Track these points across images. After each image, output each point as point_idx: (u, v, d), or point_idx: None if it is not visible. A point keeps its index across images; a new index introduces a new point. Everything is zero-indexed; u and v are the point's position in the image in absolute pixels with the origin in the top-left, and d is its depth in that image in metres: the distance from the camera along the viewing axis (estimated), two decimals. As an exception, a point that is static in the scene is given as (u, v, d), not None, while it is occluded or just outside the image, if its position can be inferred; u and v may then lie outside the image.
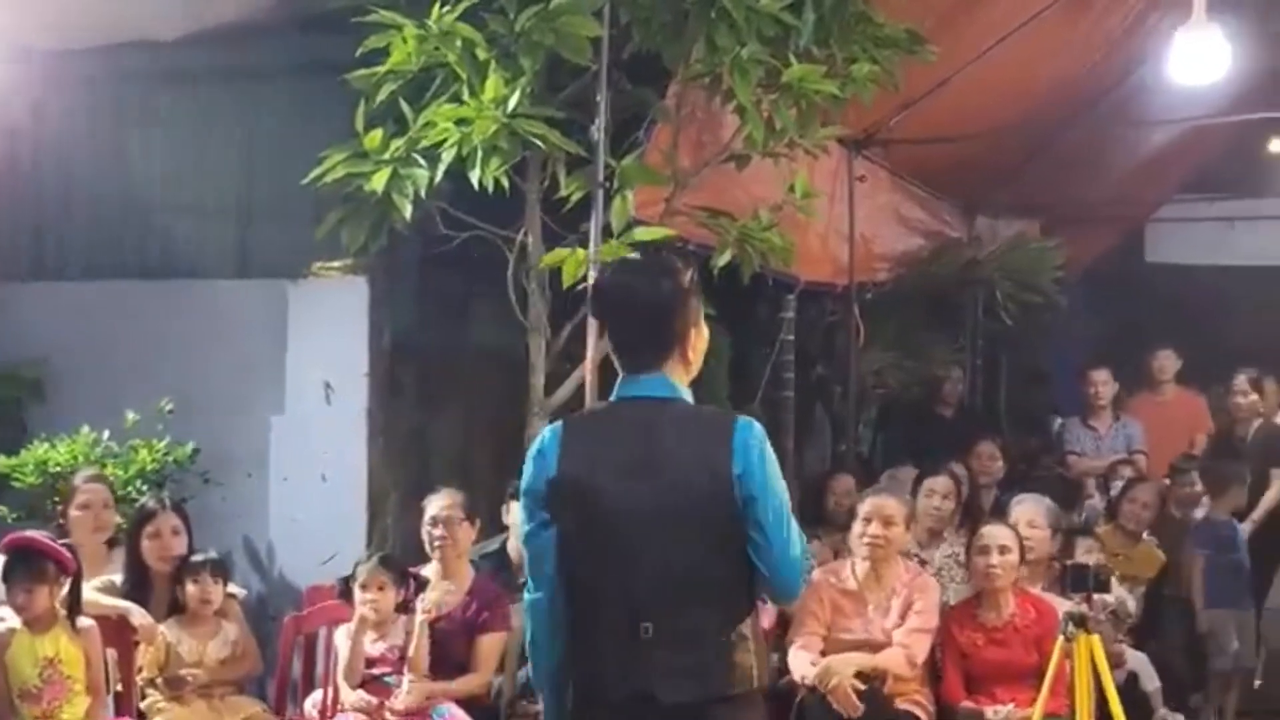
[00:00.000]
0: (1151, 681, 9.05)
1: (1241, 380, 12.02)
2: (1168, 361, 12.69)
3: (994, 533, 7.88)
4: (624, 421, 4.68)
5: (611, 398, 4.77)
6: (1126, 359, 13.63)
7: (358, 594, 7.45)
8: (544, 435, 4.77)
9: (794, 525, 4.67)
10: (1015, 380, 14.88)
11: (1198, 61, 8.06)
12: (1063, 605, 7.54)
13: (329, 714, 7.62)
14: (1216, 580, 10.11)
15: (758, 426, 4.64)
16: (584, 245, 8.10)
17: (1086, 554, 8.58)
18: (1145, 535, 10.16)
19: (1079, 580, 7.09)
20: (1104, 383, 12.38)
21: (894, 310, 12.81)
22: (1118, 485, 11.00)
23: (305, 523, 8.80)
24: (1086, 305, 16.39)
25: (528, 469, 4.73)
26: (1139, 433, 12.16)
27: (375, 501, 8.78)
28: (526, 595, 4.79)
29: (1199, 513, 10.61)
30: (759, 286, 10.36)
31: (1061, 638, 6.99)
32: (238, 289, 9.19)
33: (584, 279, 7.97)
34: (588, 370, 7.99)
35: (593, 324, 7.93)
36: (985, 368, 15.00)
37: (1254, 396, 11.96)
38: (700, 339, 4.76)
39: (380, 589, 7.43)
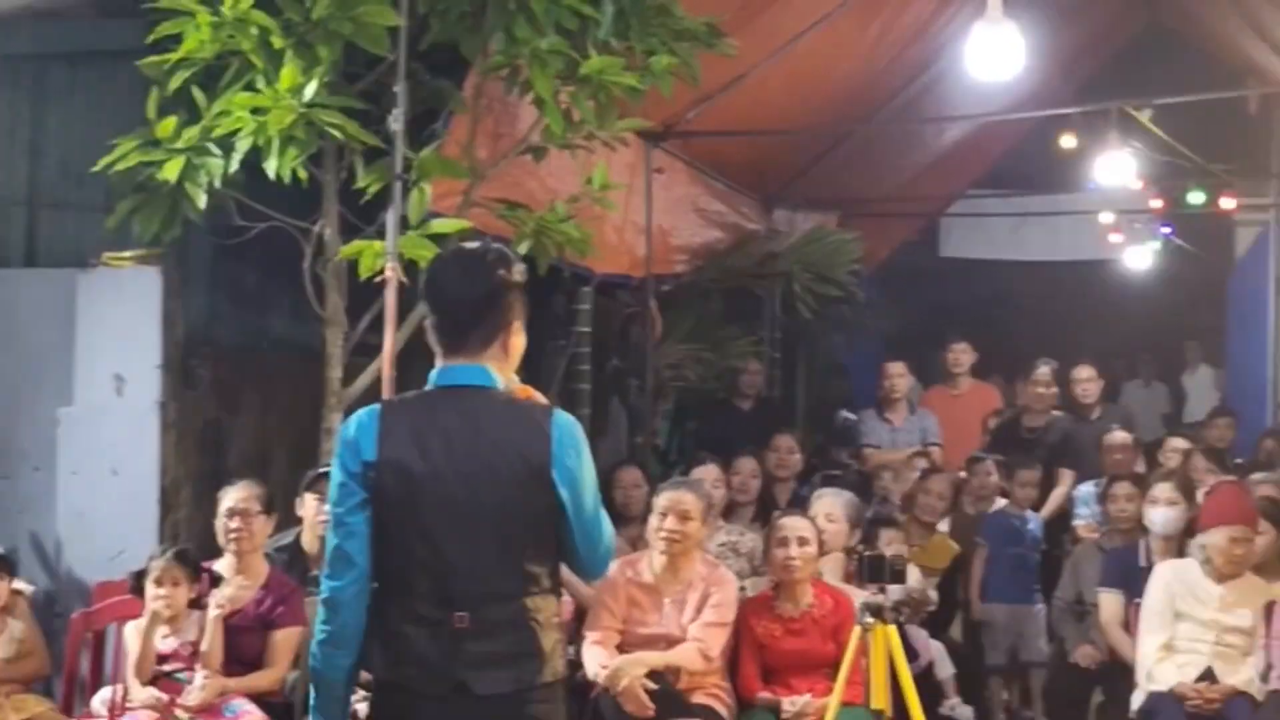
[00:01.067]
0: (945, 669, 9.17)
1: (1044, 371, 12.12)
2: (963, 354, 12.81)
3: (792, 524, 7.89)
4: (442, 407, 4.68)
5: (429, 384, 4.77)
6: (922, 352, 13.81)
7: (150, 589, 7.30)
8: (360, 417, 4.73)
9: (605, 521, 4.78)
10: (812, 374, 14.97)
11: (993, 56, 8.13)
12: (859, 596, 7.60)
13: (118, 711, 7.48)
14: (998, 574, 10.22)
15: (574, 420, 4.74)
16: (381, 237, 8.03)
17: (888, 545, 8.63)
18: (940, 526, 10.25)
19: (875, 570, 7.15)
20: (899, 375, 12.47)
21: (692, 303, 12.85)
22: (913, 478, 11.09)
23: (94, 517, 8.59)
24: (882, 299, 16.55)
25: (341, 452, 4.69)
26: (934, 425, 12.27)
27: (167, 495, 8.62)
28: (326, 587, 4.71)
29: (995, 506, 10.71)
30: (555, 279, 10.37)
31: (858, 628, 7.03)
32: (24, 278, 8.99)
33: (381, 271, 7.92)
34: (385, 362, 7.91)
35: (390, 316, 7.89)
36: (783, 361, 15.09)
37: (1054, 389, 12.11)
38: (520, 336, 4.84)
39: (174, 584, 7.30)
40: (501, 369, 4.76)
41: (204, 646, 7.26)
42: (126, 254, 8.65)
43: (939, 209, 18.67)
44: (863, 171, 15.05)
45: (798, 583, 7.78)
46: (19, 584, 7.85)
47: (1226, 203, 16.56)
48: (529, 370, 10.71)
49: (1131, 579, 8.58)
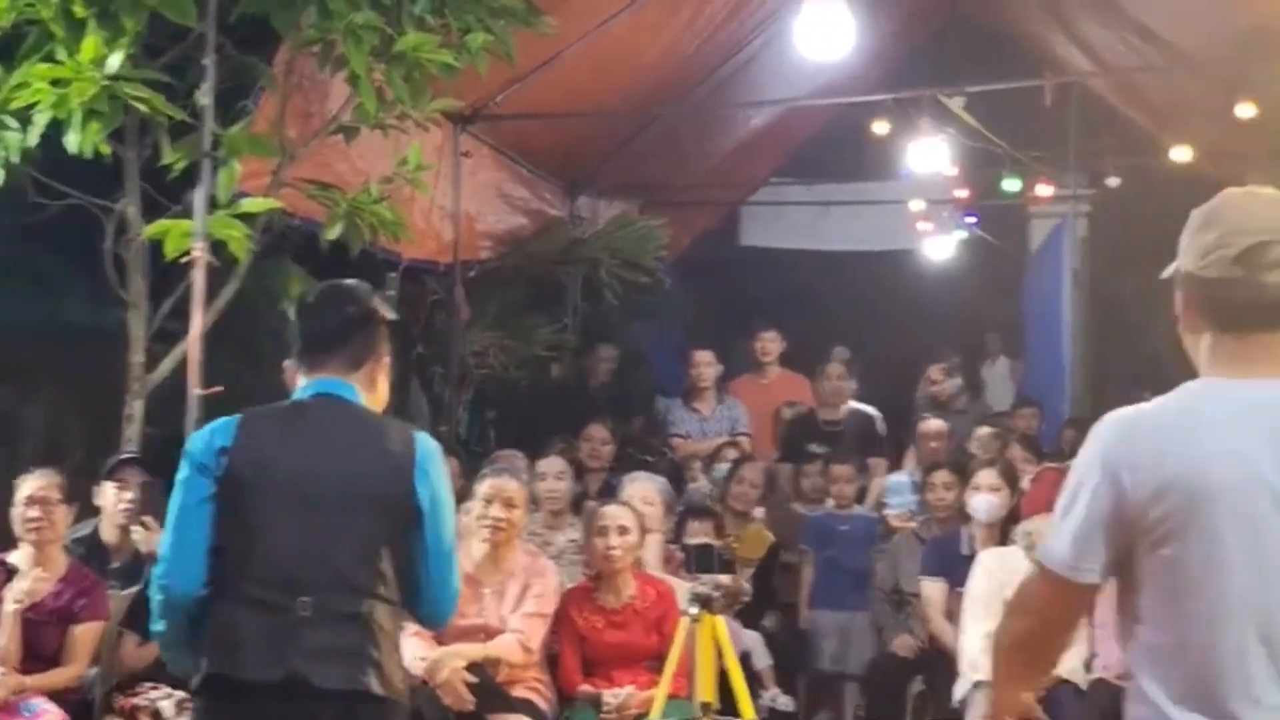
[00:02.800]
0: (763, 660, 9.06)
1: (836, 364, 12.06)
2: (771, 344, 12.70)
3: (612, 513, 7.71)
4: (307, 413, 4.74)
5: (294, 397, 4.82)
6: (725, 342, 13.68)
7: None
8: (218, 421, 4.73)
9: (455, 558, 4.75)
10: (617, 362, 14.80)
11: (823, 36, 8.01)
12: (682, 586, 7.46)
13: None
14: (823, 580, 10.08)
15: (438, 448, 4.75)
16: (187, 216, 7.76)
17: (697, 535, 8.48)
18: (755, 515, 10.11)
19: (703, 561, 7.01)
20: (707, 364, 12.34)
21: (496, 290, 12.63)
22: (723, 467, 10.96)
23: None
24: (681, 288, 16.43)
25: (197, 441, 4.67)
26: (743, 414, 12.15)
27: (-38, 485, 8.24)
28: (159, 587, 4.62)
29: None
30: (361, 264, 10.12)
31: (685, 618, 6.88)
32: None
33: (188, 252, 7.63)
34: (192, 345, 7.63)
35: (198, 298, 7.61)
36: (586, 349, 14.90)
37: (851, 382, 12.06)
38: (386, 378, 4.92)
39: (-37, 573, 6.96)
40: (368, 399, 4.82)
41: (0, 642, 6.93)
42: (-84, 232, 8.26)
43: (740, 197, 18.60)
44: (666, 159, 14.93)
45: (619, 573, 7.62)
46: None
47: (1043, 189, 16.61)
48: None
49: (953, 568, 8.54)
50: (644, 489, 8.54)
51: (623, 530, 7.62)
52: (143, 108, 7.51)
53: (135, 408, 8.43)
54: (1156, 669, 3.42)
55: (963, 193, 17.44)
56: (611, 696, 7.35)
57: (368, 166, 9.23)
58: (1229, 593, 3.31)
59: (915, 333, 17.24)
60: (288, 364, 4.96)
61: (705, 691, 6.84)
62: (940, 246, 18.52)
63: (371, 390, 4.83)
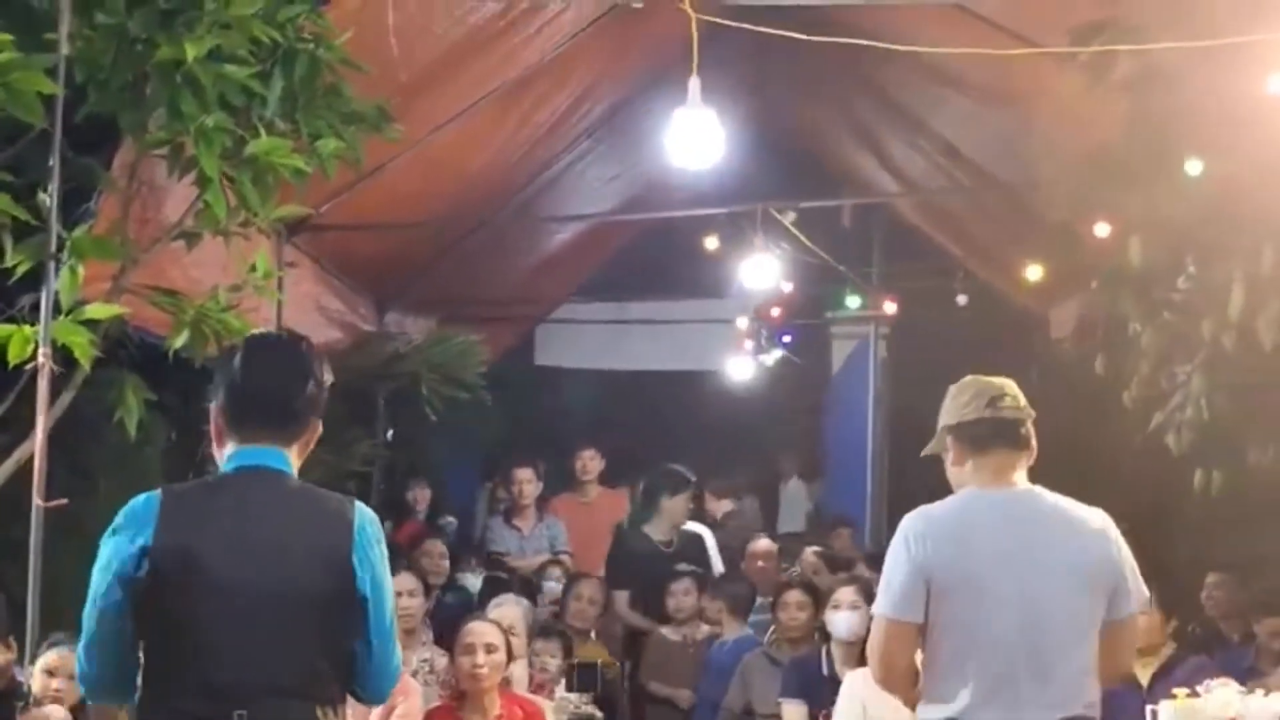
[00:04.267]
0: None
1: None
2: (590, 461, 12.62)
3: (479, 629, 7.46)
4: (233, 488, 4.38)
5: (221, 469, 4.42)
6: (533, 458, 13.51)
7: None
8: (135, 505, 4.32)
9: (395, 635, 4.43)
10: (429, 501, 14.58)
11: (693, 144, 7.91)
12: (548, 706, 7.27)
13: None
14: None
15: (375, 518, 4.30)
16: (21, 321, 7.44)
17: (543, 655, 8.30)
18: (592, 634, 9.93)
19: (587, 679, 6.84)
20: (528, 481, 12.23)
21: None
22: (549, 585, 10.78)
23: None
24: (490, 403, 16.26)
25: (111, 542, 4.28)
26: (562, 532, 12.01)
27: None
28: (89, 692, 4.46)
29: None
30: (189, 373, 9.85)
31: (565, 742, 6.70)
32: None
33: (31, 358, 7.31)
34: (38, 453, 7.28)
35: (43, 404, 7.29)
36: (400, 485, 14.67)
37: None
38: (316, 434, 4.57)
39: None
40: (296, 462, 4.40)
41: None
42: None
43: (541, 314, 18.50)
44: (472, 274, 14.87)
45: (485, 692, 7.36)
46: None
47: (889, 306, 16.65)
48: (169, 466, 10.27)
49: (814, 689, 8.42)
50: (509, 613, 8.29)
51: (490, 648, 7.40)
52: (-13, 209, 7.21)
53: (-36, 522, 8.06)
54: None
55: (776, 310, 17.48)
56: (480, 822, 7.09)
57: (200, 274, 8.94)
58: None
59: (709, 453, 17.18)
60: (212, 409, 4.57)
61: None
62: (740, 367, 18.52)
63: (301, 455, 4.53)
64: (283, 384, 4.47)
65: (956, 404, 5.73)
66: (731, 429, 18.64)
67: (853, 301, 16.12)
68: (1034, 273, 13.17)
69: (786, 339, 18.92)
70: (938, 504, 5.68)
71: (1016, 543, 5.52)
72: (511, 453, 13.71)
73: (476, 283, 15.20)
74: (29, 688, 7.05)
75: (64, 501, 7.53)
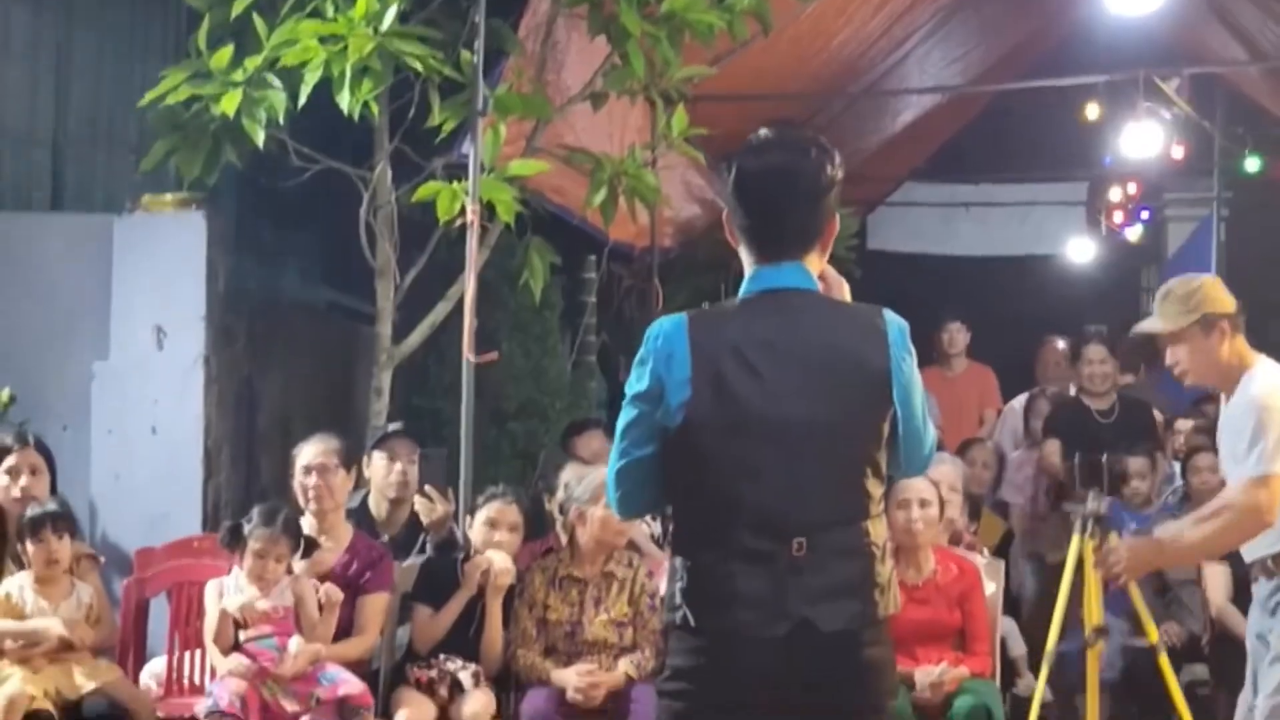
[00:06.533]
0: (1018, 647, 8.75)
1: (1095, 347, 11.25)
2: (958, 335, 12.37)
3: (914, 485, 7.31)
4: (762, 314, 4.08)
5: (742, 293, 4.14)
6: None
7: (250, 561, 6.61)
8: (663, 328, 4.08)
9: (928, 424, 4.19)
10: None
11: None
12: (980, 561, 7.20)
13: (179, 682, 6.97)
14: None
15: (904, 325, 4.11)
16: (449, 180, 7.54)
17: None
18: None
19: (1093, 475, 6.70)
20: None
21: (687, 278, 12.38)
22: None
23: (132, 479, 7.91)
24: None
25: (640, 370, 4.07)
26: (935, 406, 11.86)
27: (210, 456, 7.99)
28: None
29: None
30: (570, 241, 9.95)
31: (1076, 539, 6.69)
32: (53, 222, 8.30)
33: (460, 213, 7.41)
34: (468, 311, 7.36)
35: (472, 261, 7.38)
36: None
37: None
38: (834, 233, 4.20)
39: (277, 560, 6.63)
40: (817, 269, 4.18)
41: (306, 614, 6.66)
42: (167, 197, 8.00)
43: (881, 196, 18.40)
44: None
45: (920, 548, 7.29)
46: (87, 546, 7.24)
47: (1253, 163, 15.86)
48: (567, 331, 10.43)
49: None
50: (944, 471, 8.08)
51: (924, 504, 7.28)
52: (417, 65, 7.29)
53: (384, 380, 8.21)
54: None
55: (1132, 188, 17.17)
56: (923, 674, 7.02)
57: (590, 142, 8.96)
58: None
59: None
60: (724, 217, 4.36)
61: (1096, 614, 6.62)
62: (1082, 249, 18.20)
63: (821, 259, 4.17)
64: (783, 193, 4.09)
65: None
66: (1066, 314, 18.32)
67: (1252, 164, 15.48)
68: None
69: (1145, 215, 18.56)
70: None
71: None
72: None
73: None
74: (466, 539, 7.15)
75: (494, 355, 7.64)
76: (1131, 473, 9.19)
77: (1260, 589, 5.82)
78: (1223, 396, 5.99)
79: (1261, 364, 5.84)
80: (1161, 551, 6.07)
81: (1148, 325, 6.02)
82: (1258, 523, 5.65)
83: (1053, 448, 9.93)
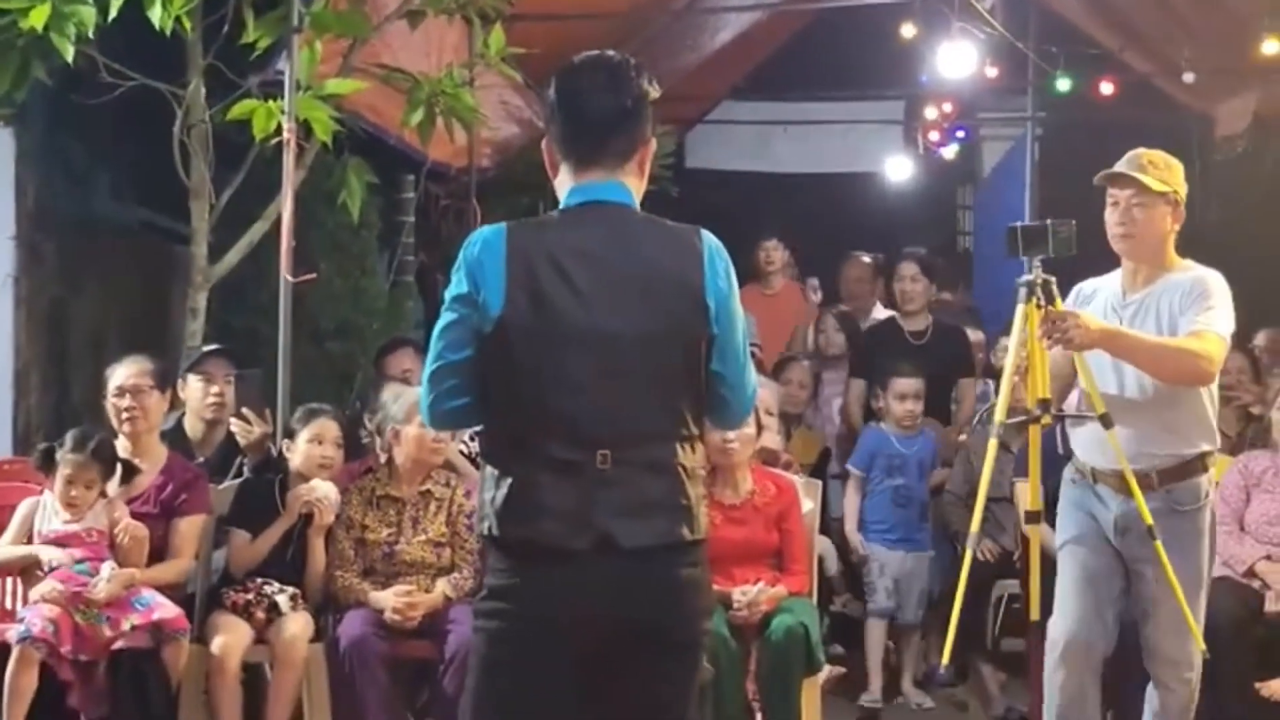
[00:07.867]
0: (834, 565, 8.86)
1: (908, 265, 11.19)
2: (775, 252, 12.42)
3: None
4: (581, 226, 4.13)
5: (562, 205, 4.19)
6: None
7: (60, 486, 6.56)
8: (484, 236, 4.10)
9: (748, 362, 4.26)
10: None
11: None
12: (798, 481, 7.23)
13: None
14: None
15: (721, 246, 4.17)
16: (265, 98, 7.45)
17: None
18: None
19: (1035, 240, 6.40)
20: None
21: (504, 198, 12.31)
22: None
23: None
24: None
25: (457, 278, 4.09)
26: (752, 324, 11.89)
27: (21, 378, 7.87)
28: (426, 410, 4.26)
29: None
30: (386, 161, 9.86)
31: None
32: None
33: (277, 131, 7.33)
34: (285, 231, 7.30)
35: (289, 180, 7.31)
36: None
37: None
38: (651, 153, 4.27)
39: (87, 487, 6.58)
40: (636, 189, 4.24)
41: (119, 538, 6.60)
42: (-29, 114, 7.83)
43: (699, 114, 18.35)
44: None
45: (737, 467, 7.32)
46: None
47: (1106, 87, 15.87)
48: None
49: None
50: (762, 396, 8.05)
51: (742, 424, 7.31)
52: (229, -20, 7.20)
53: (199, 300, 8.08)
54: None
55: (947, 107, 17.34)
56: (740, 594, 7.05)
57: (408, 61, 8.88)
58: None
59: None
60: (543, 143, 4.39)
61: (1043, 388, 6.14)
62: (900, 168, 18.42)
63: (639, 178, 4.25)
64: (602, 104, 4.17)
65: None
66: (884, 231, 18.48)
67: (1063, 84, 15.56)
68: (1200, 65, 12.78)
69: (961, 134, 18.77)
70: None
71: None
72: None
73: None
74: (283, 460, 7.11)
75: (312, 276, 7.58)
76: (908, 393, 9.12)
77: (1123, 505, 6.08)
78: (1133, 278, 6.19)
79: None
80: (1116, 336, 5.97)
81: (1133, 171, 6.09)
82: (1203, 369, 5.91)
83: (856, 391, 10.01)
